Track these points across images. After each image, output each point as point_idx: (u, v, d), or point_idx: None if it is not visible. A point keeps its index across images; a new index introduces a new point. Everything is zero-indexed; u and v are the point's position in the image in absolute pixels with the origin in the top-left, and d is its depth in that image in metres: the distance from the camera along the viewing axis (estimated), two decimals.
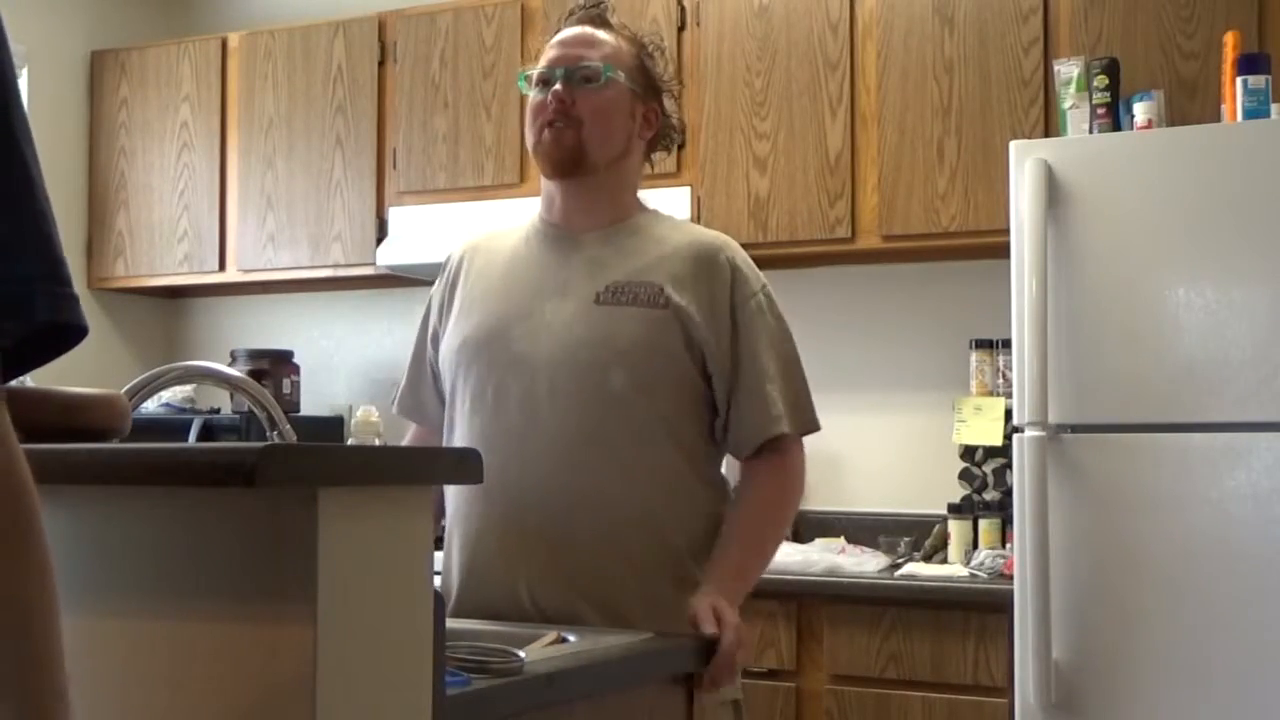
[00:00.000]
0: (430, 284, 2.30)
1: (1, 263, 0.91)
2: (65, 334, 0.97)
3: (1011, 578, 3.01)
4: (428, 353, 2.22)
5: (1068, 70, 3.28)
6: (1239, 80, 3.02)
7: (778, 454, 2.08)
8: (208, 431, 4.12)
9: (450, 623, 1.54)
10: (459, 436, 2.08)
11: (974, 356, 3.67)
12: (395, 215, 4.18)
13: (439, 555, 1.94)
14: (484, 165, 4.09)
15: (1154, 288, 2.89)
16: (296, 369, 4.42)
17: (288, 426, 1.95)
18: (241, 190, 4.46)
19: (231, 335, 4.81)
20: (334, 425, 4.35)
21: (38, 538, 0.89)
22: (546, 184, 2.14)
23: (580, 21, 2.14)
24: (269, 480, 1.15)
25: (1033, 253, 2.95)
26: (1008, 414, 3.49)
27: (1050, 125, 3.41)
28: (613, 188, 2.12)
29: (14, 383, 1.00)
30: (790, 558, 3.39)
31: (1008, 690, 3.08)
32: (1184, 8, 3.33)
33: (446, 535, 2.10)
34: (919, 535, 3.73)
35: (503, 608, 1.98)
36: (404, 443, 2.31)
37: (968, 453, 3.74)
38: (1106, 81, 3.19)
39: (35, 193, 0.93)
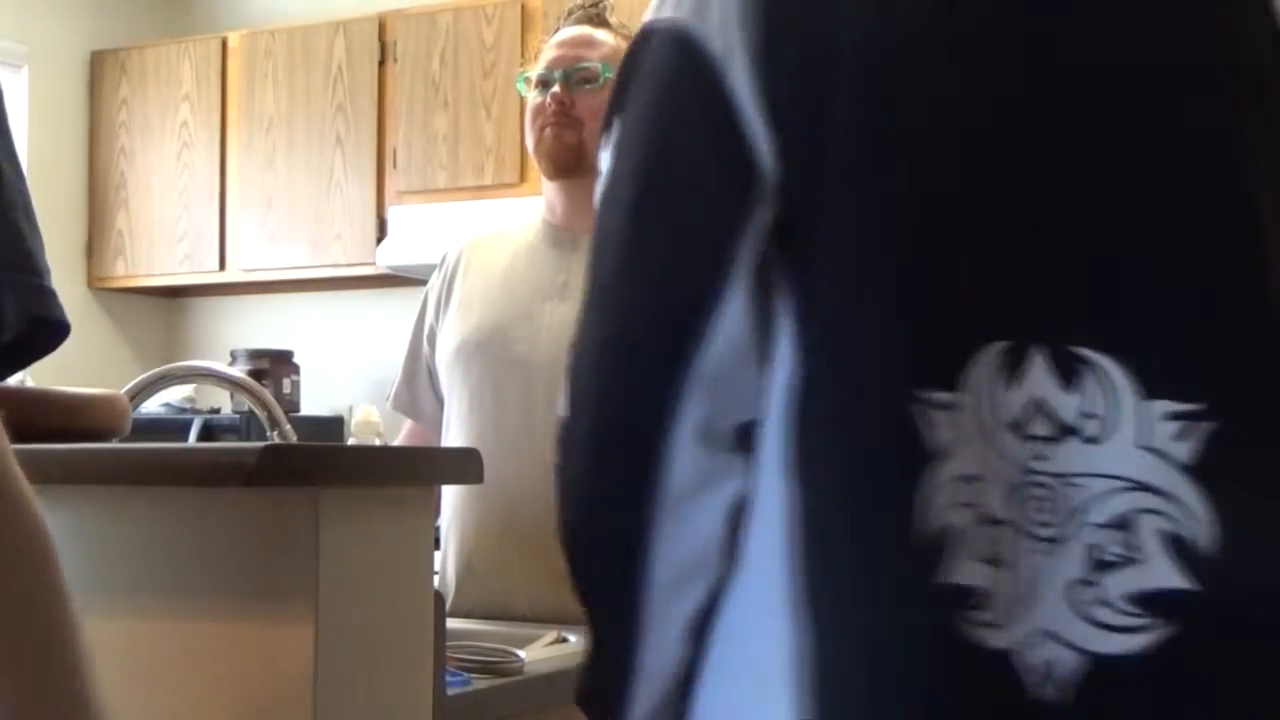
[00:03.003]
0: None
1: None
2: (48, 331, 0.96)
3: None
4: (424, 349, 2.21)
5: None
6: None
7: None
8: (208, 431, 4.12)
9: (450, 623, 1.55)
10: (457, 436, 2.07)
11: None
12: (395, 215, 4.18)
13: (436, 555, 1.94)
14: (484, 165, 4.09)
15: None
16: (296, 369, 4.42)
17: (288, 426, 1.95)
18: (241, 189, 4.46)
19: (231, 335, 4.81)
20: (334, 425, 4.35)
21: (20, 530, 0.87)
22: (548, 185, 2.13)
23: (578, 22, 2.13)
24: (269, 480, 1.15)
25: None
26: None
27: None
28: None
29: (13, 383, 1.00)
30: None
31: None
32: None
33: (444, 535, 2.09)
34: None
35: (500, 609, 1.98)
36: (399, 439, 2.31)
37: None
38: None
39: (3, 184, 0.92)
